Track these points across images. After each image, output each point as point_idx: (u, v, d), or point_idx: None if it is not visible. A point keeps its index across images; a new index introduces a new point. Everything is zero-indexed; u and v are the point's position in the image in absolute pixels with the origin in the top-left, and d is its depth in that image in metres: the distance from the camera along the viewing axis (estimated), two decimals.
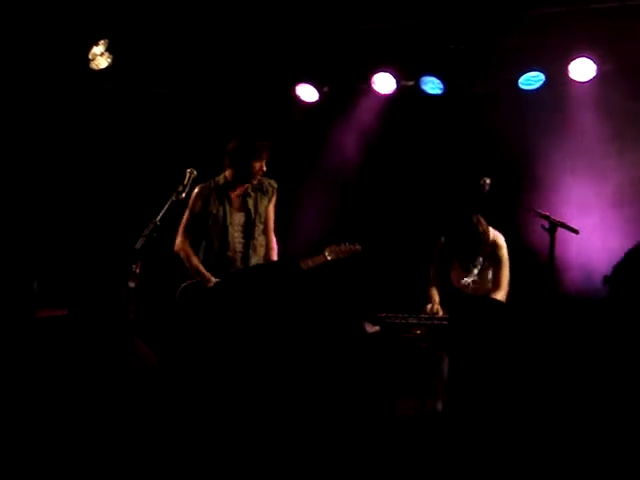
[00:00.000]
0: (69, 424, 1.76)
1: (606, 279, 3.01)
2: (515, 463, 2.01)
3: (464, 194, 6.40)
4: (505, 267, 5.80)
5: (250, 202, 5.91)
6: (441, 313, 5.76)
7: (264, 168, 5.81)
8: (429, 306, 5.80)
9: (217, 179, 5.92)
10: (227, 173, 5.89)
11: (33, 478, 1.74)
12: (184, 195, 5.38)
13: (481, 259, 5.88)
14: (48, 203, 7.05)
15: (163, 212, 5.15)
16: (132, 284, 5.01)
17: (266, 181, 5.97)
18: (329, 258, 6.02)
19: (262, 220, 5.95)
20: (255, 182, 5.88)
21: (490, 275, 5.90)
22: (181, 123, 7.34)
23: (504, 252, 5.83)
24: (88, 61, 6.87)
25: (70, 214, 7.10)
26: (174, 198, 5.28)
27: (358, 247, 6.14)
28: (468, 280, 5.90)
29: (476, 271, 5.91)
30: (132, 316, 4.97)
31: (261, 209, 5.94)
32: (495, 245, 5.82)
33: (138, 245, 5.01)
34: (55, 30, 6.65)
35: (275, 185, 6.02)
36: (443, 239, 5.95)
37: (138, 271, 5.00)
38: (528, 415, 2.21)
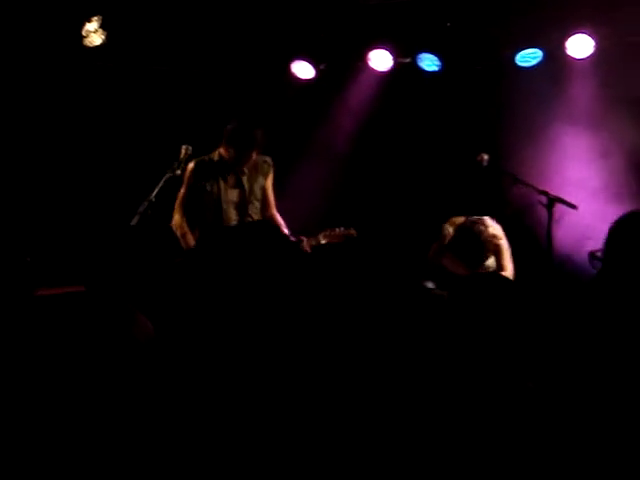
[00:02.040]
0: (72, 403, 1.73)
1: (592, 255, 2.98)
2: (513, 440, 1.98)
3: (462, 170, 6.37)
4: (506, 253, 5.74)
5: (244, 179, 5.88)
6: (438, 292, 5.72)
7: (254, 156, 5.79)
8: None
9: (212, 155, 5.88)
10: (222, 150, 5.85)
11: (34, 446, 1.71)
12: (179, 172, 5.37)
13: (487, 262, 5.82)
14: (43, 182, 7.00)
15: (158, 189, 5.15)
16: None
17: (260, 158, 5.94)
18: (323, 242, 6.00)
19: (257, 198, 5.92)
20: (246, 166, 5.85)
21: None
22: (176, 100, 7.29)
23: (503, 242, 5.76)
24: (81, 38, 6.80)
25: (66, 193, 7.05)
26: (169, 174, 5.28)
27: (353, 232, 6.12)
28: None
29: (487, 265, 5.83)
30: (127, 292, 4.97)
31: (255, 187, 5.91)
32: (493, 236, 5.75)
33: (134, 222, 5.00)
34: (47, 7, 6.58)
35: (271, 162, 5.99)
36: (447, 232, 5.83)
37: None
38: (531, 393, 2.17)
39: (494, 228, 5.76)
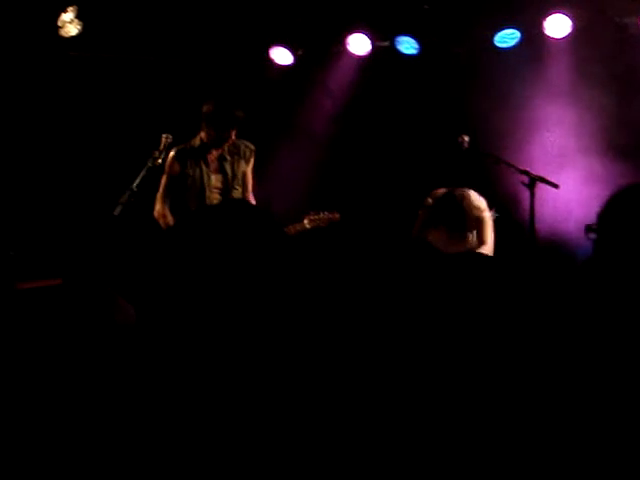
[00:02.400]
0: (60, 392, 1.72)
1: (589, 228, 2.97)
2: (501, 432, 1.97)
3: (443, 151, 6.37)
4: (487, 226, 5.76)
5: (227, 165, 5.86)
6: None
7: (233, 136, 5.76)
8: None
9: (192, 141, 5.85)
10: (202, 134, 5.82)
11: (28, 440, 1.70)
12: (160, 160, 5.35)
13: (473, 232, 5.82)
14: (22, 173, 6.94)
15: (140, 178, 5.13)
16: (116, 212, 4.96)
17: (242, 144, 5.92)
18: (308, 227, 6.00)
19: (240, 183, 5.90)
20: (230, 144, 5.83)
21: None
22: (155, 88, 7.24)
23: (486, 214, 5.77)
24: (57, 29, 6.74)
25: (46, 184, 7.00)
26: (150, 164, 5.25)
27: (337, 215, 6.13)
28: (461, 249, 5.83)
29: (473, 244, 5.84)
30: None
31: (238, 172, 5.89)
32: (477, 207, 5.76)
33: (116, 212, 4.98)
34: None
35: (252, 147, 5.97)
36: (430, 201, 5.85)
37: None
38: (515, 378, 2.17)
39: (477, 200, 5.78)
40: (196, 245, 1.62)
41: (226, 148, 5.84)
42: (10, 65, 6.81)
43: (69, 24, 6.73)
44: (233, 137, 5.77)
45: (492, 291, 2.42)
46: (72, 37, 6.76)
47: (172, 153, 5.73)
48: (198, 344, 1.61)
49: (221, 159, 5.85)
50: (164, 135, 5.38)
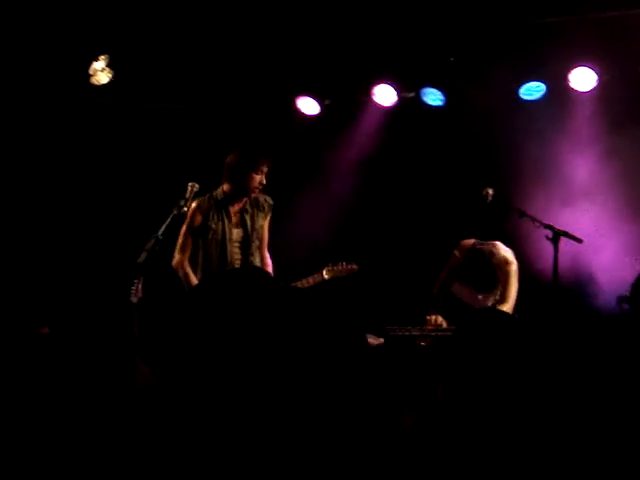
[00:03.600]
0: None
1: (622, 299, 2.95)
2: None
3: (467, 204, 6.38)
4: (513, 281, 5.72)
5: (247, 218, 5.89)
6: (445, 325, 5.71)
7: (264, 182, 5.79)
8: (433, 317, 5.74)
9: (215, 193, 5.89)
10: (225, 187, 5.86)
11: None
12: (186, 209, 5.38)
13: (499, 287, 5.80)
14: (49, 218, 7.02)
15: (165, 226, 5.16)
16: (134, 299, 5.00)
17: (262, 197, 5.96)
18: (326, 277, 6.05)
19: (258, 236, 5.93)
20: (254, 196, 5.86)
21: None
22: (182, 137, 7.34)
23: (513, 267, 5.73)
24: (88, 77, 6.86)
25: (71, 229, 7.07)
26: (176, 212, 5.28)
27: (355, 267, 6.17)
28: (489, 303, 5.80)
29: (498, 293, 5.81)
30: (136, 333, 4.95)
31: (257, 225, 5.92)
32: (505, 261, 5.73)
33: (141, 259, 5.00)
34: (55, 45, 6.65)
35: (271, 202, 6.01)
36: (458, 254, 5.84)
37: (140, 286, 4.99)
38: (532, 428, 2.17)
39: (505, 252, 5.76)
40: (213, 310, 1.65)
41: (248, 201, 5.89)
42: (42, 112, 6.93)
43: (100, 72, 6.86)
44: (264, 182, 5.79)
45: (510, 350, 2.42)
46: (103, 85, 6.88)
47: (194, 205, 5.76)
48: (213, 402, 1.63)
49: (242, 212, 5.88)
50: (190, 184, 5.42)
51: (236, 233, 5.88)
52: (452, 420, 2.19)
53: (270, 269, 5.92)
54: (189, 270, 5.77)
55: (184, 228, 5.82)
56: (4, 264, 6.57)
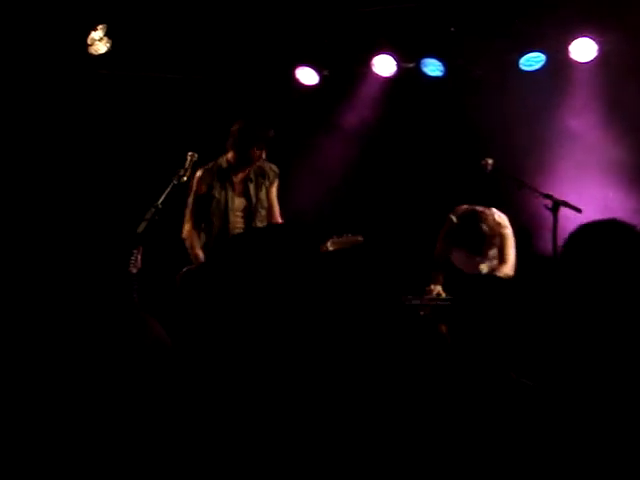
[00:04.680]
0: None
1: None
2: (513, 444, 1.99)
3: (467, 174, 6.38)
4: (510, 243, 5.77)
5: (251, 187, 5.89)
6: (444, 295, 5.74)
7: (264, 156, 5.80)
8: (432, 287, 5.76)
9: (219, 161, 5.89)
10: (229, 155, 5.86)
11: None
12: (185, 178, 5.39)
13: (494, 250, 5.82)
14: (50, 190, 7.02)
15: (164, 196, 5.17)
16: (134, 270, 5.02)
17: (267, 165, 5.95)
18: (331, 249, 6.04)
19: (264, 206, 5.92)
20: (256, 166, 5.86)
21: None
22: (181, 106, 7.31)
23: (508, 231, 5.79)
24: (86, 46, 6.83)
25: (73, 200, 7.07)
26: (175, 182, 5.29)
27: (360, 238, 6.16)
28: (484, 268, 5.83)
29: (494, 260, 5.83)
30: (135, 301, 4.97)
31: (262, 195, 5.91)
32: (499, 224, 5.77)
33: (140, 229, 5.02)
34: (53, 14, 6.61)
35: (277, 170, 6.00)
36: (454, 219, 5.84)
37: (140, 257, 5.01)
38: (531, 393, 2.19)
39: (500, 216, 5.79)
40: (228, 275, 1.65)
41: (252, 170, 5.88)
42: (40, 82, 6.91)
43: (98, 42, 6.82)
44: (263, 157, 5.80)
45: (505, 314, 2.44)
46: (101, 55, 6.85)
47: (199, 173, 5.77)
48: (227, 367, 1.64)
49: (246, 182, 5.88)
50: (189, 153, 5.42)
51: (239, 202, 5.88)
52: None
53: None
54: (196, 241, 5.79)
55: (190, 199, 5.83)
56: (5, 235, 6.58)
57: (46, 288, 6.00)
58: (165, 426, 1.60)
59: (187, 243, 5.81)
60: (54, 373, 1.81)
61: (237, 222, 5.85)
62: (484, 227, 5.64)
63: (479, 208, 5.79)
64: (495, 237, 5.75)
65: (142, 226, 5.03)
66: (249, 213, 5.87)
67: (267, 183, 5.94)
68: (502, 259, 5.76)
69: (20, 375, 1.85)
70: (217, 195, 5.82)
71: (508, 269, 5.64)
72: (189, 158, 5.40)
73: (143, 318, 1.90)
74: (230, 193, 5.85)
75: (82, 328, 1.94)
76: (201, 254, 5.74)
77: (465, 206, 5.87)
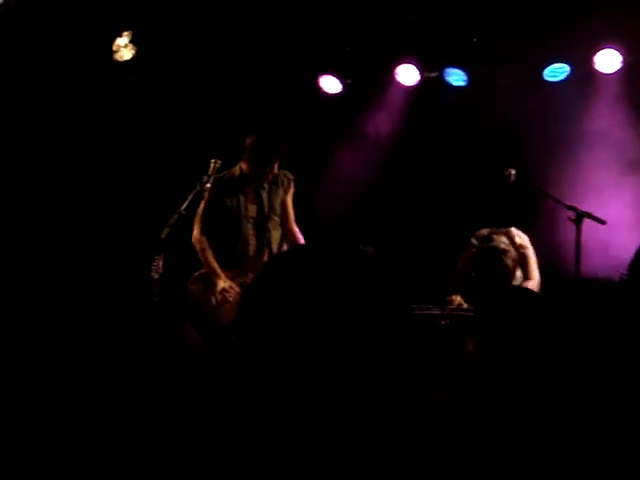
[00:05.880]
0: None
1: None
2: (536, 455, 1.97)
3: (490, 185, 6.36)
4: (532, 261, 5.73)
5: (264, 195, 5.88)
6: (465, 305, 5.71)
7: (275, 170, 5.80)
8: (453, 297, 5.74)
9: (232, 170, 5.90)
10: (244, 166, 5.87)
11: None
12: (209, 185, 5.40)
13: (519, 270, 5.78)
14: (75, 195, 7.06)
15: (188, 202, 5.18)
16: (155, 275, 5.03)
17: (281, 173, 5.93)
18: None
19: (277, 213, 5.91)
20: (267, 180, 5.86)
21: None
22: (205, 113, 7.34)
23: (530, 252, 5.75)
24: (112, 53, 6.88)
25: (98, 207, 7.11)
26: (199, 188, 5.30)
27: (371, 249, 6.14)
28: None
29: (519, 279, 5.80)
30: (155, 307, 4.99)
31: (275, 202, 5.90)
32: (521, 246, 5.72)
33: (163, 235, 5.03)
34: (79, 21, 6.66)
35: (291, 177, 5.99)
36: (476, 245, 5.80)
37: (161, 263, 5.03)
38: (554, 409, 2.16)
39: (520, 238, 5.76)
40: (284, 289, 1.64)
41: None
42: (65, 88, 6.96)
43: (123, 48, 6.86)
44: (275, 171, 5.81)
45: (538, 325, 2.41)
46: (126, 61, 6.89)
47: (211, 182, 5.77)
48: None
49: (258, 189, 5.88)
50: (213, 160, 5.42)
51: (251, 209, 5.88)
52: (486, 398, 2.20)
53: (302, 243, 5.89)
54: (206, 245, 5.81)
55: (202, 205, 5.83)
56: (31, 241, 6.63)
57: (70, 293, 6.03)
58: (203, 431, 1.60)
59: (197, 247, 5.83)
60: (85, 380, 1.82)
61: (249, 229, 5.86)
62: (507, 262, 5.58)
63: (499, 235, 5.70)
64: (517, 261, 5.71)
65: (165, 232, 5.04)
66: (261, 220, 5.88)
67: (281, 190, 5.93)
68: (526, 276, 5.73)
69: (51, 384, 1.86)
70: (229, 203, 5.83)
71: (533, 285, 5.60)
72: (212, 165, 5.40)
73: (182, 325, 1.90)
74: (243, 200, 5.85)
75: (115, 333, 1.95)
76: (212, 260, 5.77)
77: (486, 231, 5.82)
